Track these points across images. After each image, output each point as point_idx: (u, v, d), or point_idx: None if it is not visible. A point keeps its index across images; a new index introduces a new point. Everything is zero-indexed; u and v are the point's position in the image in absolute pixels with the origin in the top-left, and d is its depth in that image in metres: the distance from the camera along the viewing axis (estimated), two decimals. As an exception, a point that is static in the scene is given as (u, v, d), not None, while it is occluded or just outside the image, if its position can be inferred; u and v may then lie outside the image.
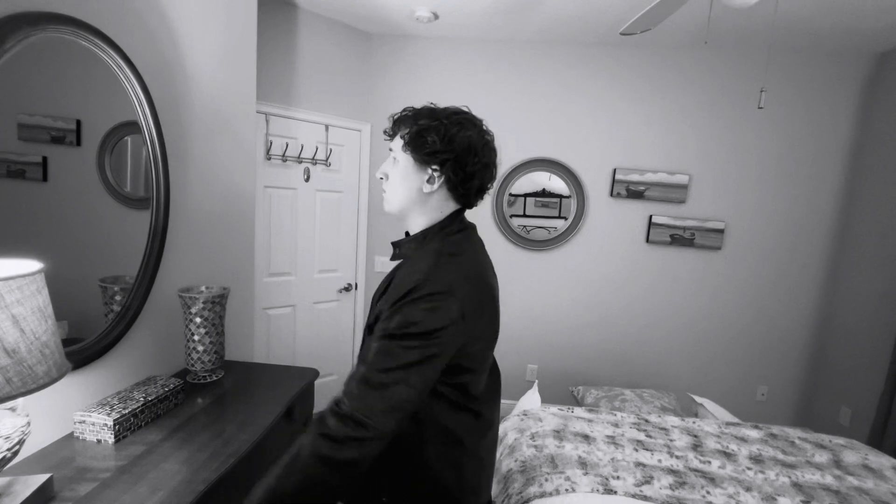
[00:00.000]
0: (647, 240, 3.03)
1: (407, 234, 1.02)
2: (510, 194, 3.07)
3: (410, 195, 0.95)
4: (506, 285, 3.16)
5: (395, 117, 0.96)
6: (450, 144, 0.90)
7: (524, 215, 3.08)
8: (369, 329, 0.92)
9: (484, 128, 0.97)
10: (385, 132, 0.99)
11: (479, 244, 1.00)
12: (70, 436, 1.18)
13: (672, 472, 1.65)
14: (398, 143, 0.95)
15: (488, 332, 0.93)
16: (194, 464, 1.10)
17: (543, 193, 3.06)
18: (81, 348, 1.21)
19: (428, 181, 0.93)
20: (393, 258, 1.01)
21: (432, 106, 0.96)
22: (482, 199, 1.01)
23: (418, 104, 0.98)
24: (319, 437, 0.78)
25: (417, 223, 0.98)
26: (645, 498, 1.49)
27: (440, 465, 0.91)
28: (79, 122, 1.19)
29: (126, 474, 1.04)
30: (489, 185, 0.99)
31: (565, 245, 3.10)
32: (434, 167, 0.92)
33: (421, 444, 0.90)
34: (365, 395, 0.79)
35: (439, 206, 0.96)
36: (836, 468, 1.76)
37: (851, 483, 1.65)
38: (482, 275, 0.91)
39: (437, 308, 0.81)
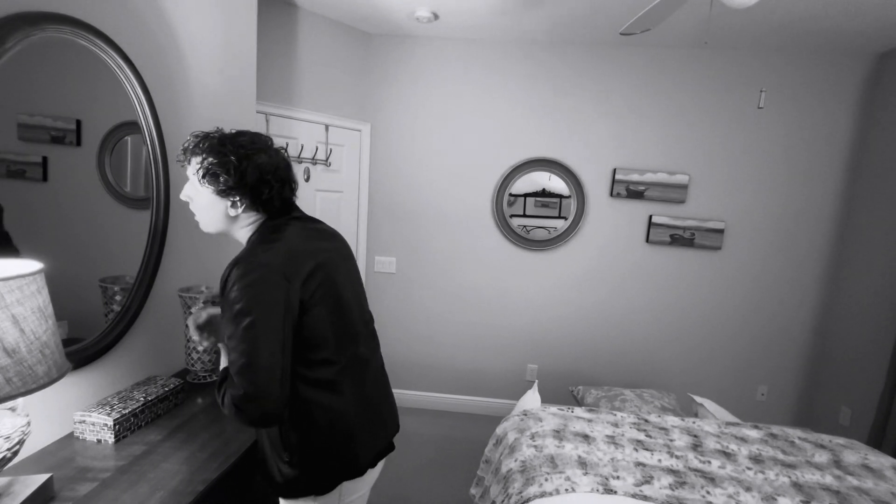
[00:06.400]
0: (647, 240, 3.03)
1: None
2: (510, 194, 3.07)
3: (220, 219, 1.04)
4: (505, 285, 3.17)
5: (184, 146, 1.03)
6: (242, 180, 0.99)
7: (524, 215, 3.08)
8: None
9: (273, 147, 1.06)
10: (177, 159, 1.06)
11: (301, 230, 1.07)
12: (70, 436, 1.18)
13: (672, 471, 1.65)
14: (193, 176, 1.02)
15: (327, 298, 1.02)
16: (194, 464, 1.10)
17: (543, 193, 3.06)
18: (81, 348, 1.21)
19: (232, 206, 1.02)
20: None
21: (220, 134, 1.02)
22: (294, 198, 1.12)
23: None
24: (232, 406, 0.90)
25: (241, 235, 1.08)
26: (645, 498, 1.49)
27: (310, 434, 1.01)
28: (79, 122, 1.19)
29: (126, 474, 1.04)
30: (293, 196, 1.10)
31: (565, 245, 3.10)
32: (233, 198, 1.01)
33: (293, 417, 1.00)
34: (244, 381, 0.88)
35: (251, 220, 1.06)
36: (836, 468, 1.76)
37: (851, 483, 1.65)
38: (301, 249, 1.01)
39: (251, 282, 0.91)
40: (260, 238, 1.02)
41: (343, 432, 1.05)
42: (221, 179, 0.98)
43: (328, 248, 1.09)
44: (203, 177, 0.99)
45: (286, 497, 1.07)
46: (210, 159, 0.98)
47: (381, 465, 1.19)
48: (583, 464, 1.65)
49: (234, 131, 1.05)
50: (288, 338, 0.94)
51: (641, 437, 1.89)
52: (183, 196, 1.06)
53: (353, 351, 1.09)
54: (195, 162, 1.01)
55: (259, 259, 0.94)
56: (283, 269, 0.94)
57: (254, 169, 0.99)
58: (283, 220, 1.07)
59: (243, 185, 0.99)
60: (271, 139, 1.08)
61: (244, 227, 1.06)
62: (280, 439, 1.02)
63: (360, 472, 1.09)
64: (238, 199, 1.01)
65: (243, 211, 1.03)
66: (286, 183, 1.06)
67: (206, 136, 1.02)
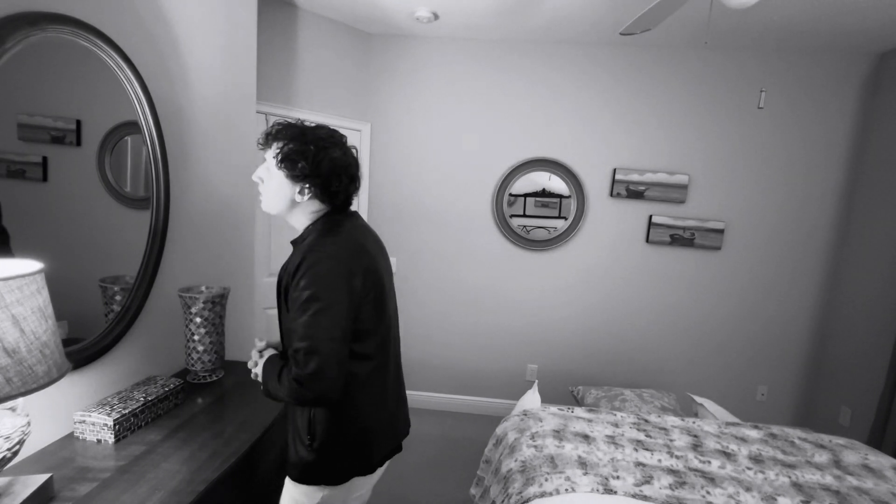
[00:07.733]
0: (647, 240, 3.03)
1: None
2: (510, 194, 3.07)
3: (285, 202, 1.10)
4: (506, 285, 3.17)
5: (268, 132, 1.09)
6: (317, 169, 1.06)
7: (524, 215, 3.08)
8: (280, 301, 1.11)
9: (347, 146, 1.14)
10: (258, 143, 1.13)
11: (357, 228, 1.14)
12: (70, 436, 1.18)
13: (672, 472, 1.65)
14: (272, 158, 1.08)
15: (374, 295, 1.08)
16: (194, 464, 1.10)
17: (543, 193, 3.06)
18: (81, 348, 1.21)
19: (299, 192, 1.08)
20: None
21: (301, 125, 1.10)
22: (355, 197, 1.18)
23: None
24: (294, 383, 0.98)
25: (298, 221, 1.14)
26: (645, 498, 1.49)
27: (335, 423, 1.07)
28: (79, 122, 1.19)
29: (126, 474, 1.04)
30: (356, 194, 1.17)
31: (565, 245, 3.10)
32: (303, 185, 1.07)
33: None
34: (307, 361, 0.96)
35: (313, 209, 1.12)
36: (836, 468, 1.76)
37: (851, 483, 1.65)
38: (359, 245, 1.09)
39: (322, 272, 0.99)
40: (325, 230, 1.09)
41: (364, 428, 1.10)
42: (299, 166, 1.04)
43: (373, 246, 1.16)
44: (281, 161, 1.05)
45: (299, 481, 1.09)
46: (291, 145, 1.05)
47: (386, 464, 1.22)
48: (583, 464, 1.65)
49: (314, 124, 1.12)
50: (348, 328, 1.01)
51: (641, 437, 1.89)
52: (255, 177, 1.12)
53: (386, 349, 1.15)
54: (276, 146, 1.07)
55: (328, 251, 1.02)
56: (349, 263, 1.03)
57: (328, 161, 1.06)
58: (343, 215, 1.14)
59: (317, 174, 1.05)
60: (346, 137, 1.15)
61: (304, 215, 1.12)
62: (308, 423, 1.07)
63: (371, 470, 1.13)
64: (308, 186, 1.07)
65: (308, 199, 1.08)
66: (354, 180, 1.13)
67: (289, 125, 1.09)
